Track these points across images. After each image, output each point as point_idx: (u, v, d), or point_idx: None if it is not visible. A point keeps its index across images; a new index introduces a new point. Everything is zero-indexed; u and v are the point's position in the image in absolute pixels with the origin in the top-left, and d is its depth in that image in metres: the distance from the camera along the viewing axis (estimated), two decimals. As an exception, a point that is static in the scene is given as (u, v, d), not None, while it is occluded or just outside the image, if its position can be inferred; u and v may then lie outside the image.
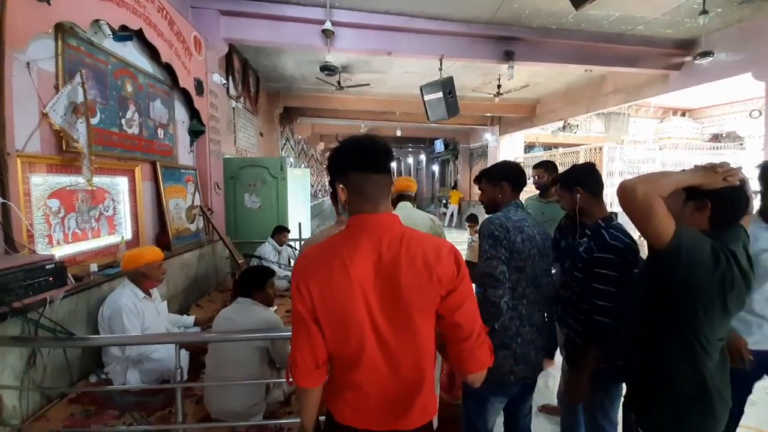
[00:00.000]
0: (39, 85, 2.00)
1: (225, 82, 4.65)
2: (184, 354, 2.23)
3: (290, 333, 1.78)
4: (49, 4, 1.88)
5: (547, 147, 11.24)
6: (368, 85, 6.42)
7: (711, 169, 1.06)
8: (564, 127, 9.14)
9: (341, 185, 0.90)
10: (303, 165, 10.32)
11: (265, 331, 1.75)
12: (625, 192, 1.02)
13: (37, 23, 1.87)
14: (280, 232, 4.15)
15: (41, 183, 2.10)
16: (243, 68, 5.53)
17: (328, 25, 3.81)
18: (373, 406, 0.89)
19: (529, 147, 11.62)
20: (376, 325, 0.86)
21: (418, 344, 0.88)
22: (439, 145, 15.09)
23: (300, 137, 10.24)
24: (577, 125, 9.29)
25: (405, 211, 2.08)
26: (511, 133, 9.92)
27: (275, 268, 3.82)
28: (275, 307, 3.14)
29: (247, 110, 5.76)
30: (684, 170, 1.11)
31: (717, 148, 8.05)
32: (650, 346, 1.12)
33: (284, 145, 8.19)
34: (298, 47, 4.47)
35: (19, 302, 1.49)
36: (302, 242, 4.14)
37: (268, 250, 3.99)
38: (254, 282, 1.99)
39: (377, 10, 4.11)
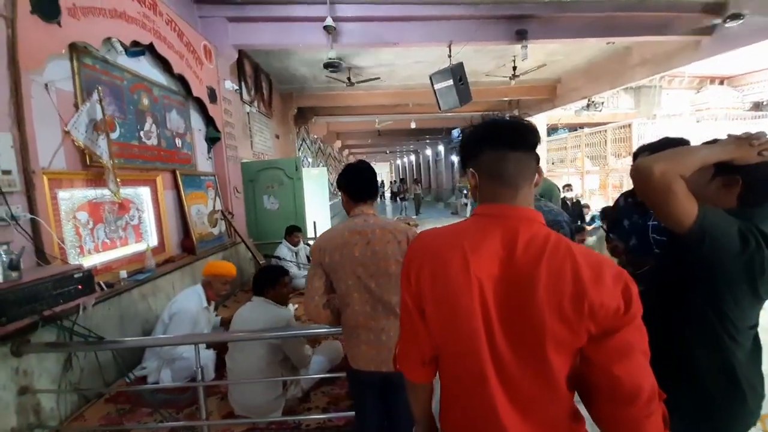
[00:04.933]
0: (59, 104, 2.12)
1: (237, 87, 4.74)
2: (211, 353, 2.33)
3: (301, 332, 1.82)
4: (59, 25, 1.97)
5: (572, 128, 10.74)
6: (378, 78, 6.35)
7: (745, 140, 0.93)
8: (588, 106, 8.68)
9: (471, 169, 0.77)
10: (321, 164, 10.42)
11: (276, 329, 1.77)
12: (640, 173, 0.90)
13: (51, 45, 1.97)
14: (292, 232, 4.19)
15: (69, 197, 2.23)
16: (255, 73, 5.63)
17: (329, 22, 3.79)
18: None
19: (551, 130, 11.15)
20: (492, 338, 0.68)
21: (550, 382, 0.67)
22: (456, 135, 14.79)
23: (316, 136, 10.34)
24: (602, 102, 8.79)
25: None
26: (532, 116, 9.53)
27: (293, 267, 3.90)
28: (296, 306, 3.20)
29: (261, 114, 5.87)
30: (713, 143, 0.99)
31: (759, 117, 7.38)
32: (672, 336, 1.03)
33: (301, 145, 8.30)
34: (304, 47, 4.48)
35: (50, 310, 1.59)
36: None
37: (285, 251, 4.06)
38: (267, 281, 2.03)
39: (380, 1, 4.04)
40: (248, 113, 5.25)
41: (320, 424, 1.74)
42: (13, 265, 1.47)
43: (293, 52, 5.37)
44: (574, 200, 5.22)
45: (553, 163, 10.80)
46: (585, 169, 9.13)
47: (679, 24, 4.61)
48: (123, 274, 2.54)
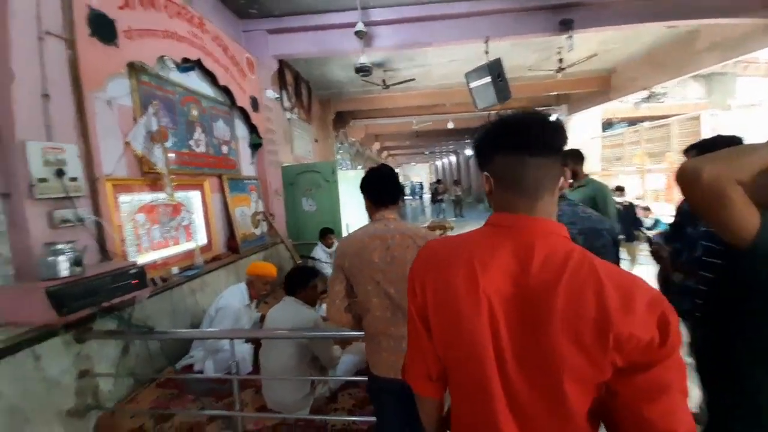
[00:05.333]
0: (120, 118, 2.37)
1: (278, 96, 4.99)
2: (248, 347, 2.46)
3: (328, 333, 1.86)
4: (117, 47, 2.22)
5: (631, 122, 9.83)
6: (413, 80, 6.33)
7: None
8: (649, 97, 7.89)
9: (486, 173, 0.69)
10: (359, 166, 10.60)
11: (305, 329, 1.82)
12: (685, 177, 0.78)
13: (110, 65, 2.22)
14: (326, 234, 4.29)
15: (129, 201, 2.49)
16: (295, 81, 5.89)
17: (359, 27, 3.85)
18: None
19: (607, 124, 10.30)
20: (502, 362, 0.61)
21: (568, 417, 0.59)
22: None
23: (354, 139, 10.54)
24: (665, 93, 7.95)
25: None
26: (583, 111, 8.87)
27: (327, 268, 3.99)
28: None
29: (301, 120, 6.12)
30: None
31: None
32: (726, 349, 0.90)
33: (339, 148, 8.52)
34: (339, 54, 4.59)
35: (109, 302, 1.78)
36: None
37: (320, 253, 4.17)
38: (298, 282, 2.09)
39: (411, 2, 4.02)
40: (289, 119, 5.49)
41: (345, 426, 1.76)
42: (77, 261, 1.67)
43: (330, 59, 5.53)
44: (626, 204, 4.72)
45: (609, 162, 9.96)
46: (646, 168, 8.30)
47: (750, 4, 4.02)
48: (174, 270, 2.79)
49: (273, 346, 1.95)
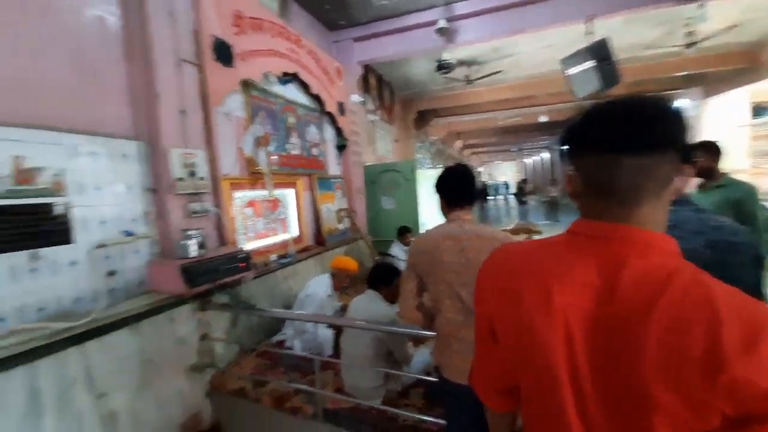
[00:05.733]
0: (235, 128, 2.83)
1: (362, 99, 5.28)
2: (330, 333, 2.69)
3: (405, 330, 1.90)
4: (234, 67, 2.64)
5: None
6: (500, 72, 6.01)
7: None
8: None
9: (569, 171, 0.60)
10: (440, 165, 10.51)
11: (382, 323, 1.90)
12: None
13: (229, 84, 2.66)
14: (404, 233, 4.36)
15: (240, 197, 2.94)
16: (378, 84, 6.15)
17: (441, 24, 3.82)
18: None
19: (759, 108, 8.20)
20: (579, 390, 0.53)
21: None
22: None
23: (435, 138, 10.48)
24: None
25: None
26: (723, 94, 7.19)
27: (404, 266, 4.07)
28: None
29: (383, 120, 6.36)
30: None
31: None
32: None
33: (419, 147, 8.59)
34: (421, 53, 4.63)
35: (222, 279, 2.16)
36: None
37: (396, 250, 4.28)
38: (382, 278, 2.17)
39: (498, -10, 3.84)
40: (372, 121, 5.76)
41: (416, 423, 1.80)
42: (201, 245, 2.06)
43: (412, 59, 5.62)
44: None
45: (760, 157, 7.89)
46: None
47: None
48: (272, 257, 3.20)
49: (353, 334, 2.08)
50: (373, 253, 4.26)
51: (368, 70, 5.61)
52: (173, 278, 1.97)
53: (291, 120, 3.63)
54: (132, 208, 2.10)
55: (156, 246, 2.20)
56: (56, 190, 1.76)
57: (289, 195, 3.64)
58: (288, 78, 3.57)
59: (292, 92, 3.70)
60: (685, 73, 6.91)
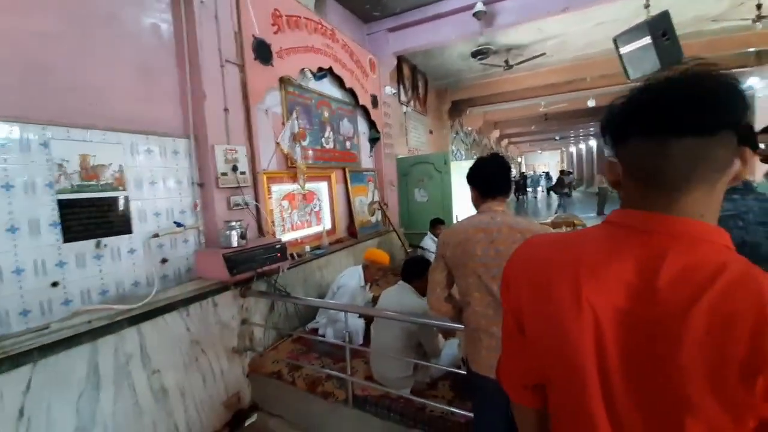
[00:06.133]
0: (273, 124, 2.94)
1: (395, 91, 5.25)
2: (361, 322, 2.77)
3: (435, 322, 1.92)
4: (272, 66, 2.74)
5: None
6: (543, 54, 5.68)
7: None
8: None
9: (611, 157, 0.57)
10: (475, 156, 10.24)
11: (412, 315, 1.92)
12: None
13: (268, 82, 2.76)
14: (436, 225, 4.32)
15: (277, 190, 3.08)
16: (412, 74, 6.07)
17: (478, 7, 3.67)
18: None
19: None
20: (610, 393, 0.51)
21: None
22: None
23: (470, 128, 10.19)
24: None
25: None
26: None
27: (436, 257, 4.06)
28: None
29: (416, 112, 6.29)
30: None
31: None
32: None
33: (454, 138, 8.40)
34: (458, 39, 4.49)
35: (261, 268, 2.29)
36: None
37: (429, 243, 4.27)
38: (415, 271, 2.18)
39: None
40: (405, 113, 5.72)
41: (443, 414, 1.83)
42: (242, 235, 2.20)
43: (447, 47, 5.46)
44: None
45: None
46: None
47: None
48: (307, 248, 3.33)
49: (383, 324, 2.13)
50: (405, 245, 4.29)
51: (402, 60, 5.55)
52: (217, 266, 2.13)
53: (325, 114, 3.71)
54: (182, 201, 2.28)
55: (202, 236, 2.37)
56: (118, 185, 1.95)
57: (322, 188, 3.75)
58: (323, 73, 3.63)
59: (326, 87, 3.76)
60: (754, 49, 6.16)
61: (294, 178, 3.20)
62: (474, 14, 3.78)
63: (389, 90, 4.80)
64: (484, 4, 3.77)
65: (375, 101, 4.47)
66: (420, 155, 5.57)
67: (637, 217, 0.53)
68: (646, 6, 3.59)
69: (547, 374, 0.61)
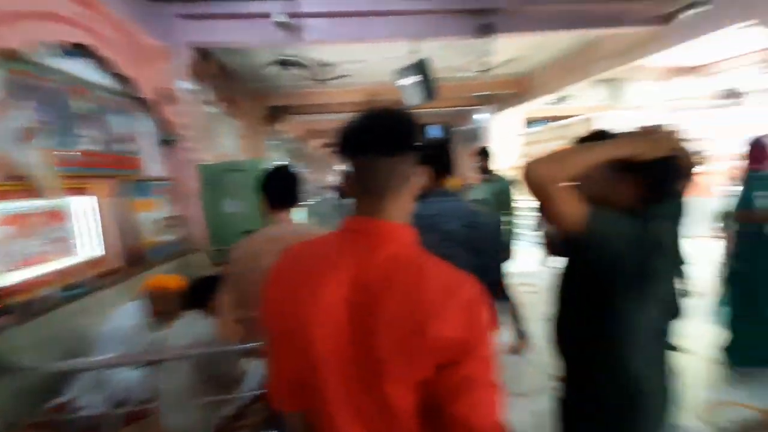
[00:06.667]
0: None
1: (196, 88, 4.56)
2: (136, 373, 2.21)
3: (226, 348, 1.71)
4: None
5: (553, 120, 10.85)
6: (347, 76, 6.25)
7: (645, 136, 0.91)
8: (561, 99, 8.77)
9: (346, 172, 0.70)
10: (301, 164, 10.27)
11: (200, 346, 1.66)
12: (523, 175, 0.89)
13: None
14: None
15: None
16: (220, 72, 5.44)
17: (278, 18, 3.67)
18: None
19: (530, 122, 11.18)
20: (342, 374, 0.62)
21: (396, 419, 0.60)
22: (433, 132, 14.72)
23: (291, 136, 10.16)
24: (568, 96, 8.89)
25: None
26: (505, 111, 9.57)
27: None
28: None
29: (225, 114, 5.69)
30: (613, 140, 0.97)
31: (731, 105, 7.60)
32: (574, 335, 1.02)
33: (272, 145, 8.13)
34: (264, 45, 4.33)
35: None
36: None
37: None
38: (207, 293, 1.87)
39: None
40: (210, 114, 5.07)
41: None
42: None
43: (262, 50, 5.21)
44: None
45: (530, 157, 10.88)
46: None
47: (633, 14, 4.56)
48: (51, 290, 2.40)
49: (169, 367, 1.75)
50: (212, 264, 3.76)
51: (207, 55, 4.89)
52: None
53: (81, 105, 2.80)
54: None
55: None
56: None
57: (81, 203, 2.80)
58: (77, 52, 2.73)
59: (83, 70, 2.85)
60: (482, 93, 8.86)
61: (24, 194, 2.25)
62: (276, 23, 3.72)
63: (185, 85, 4.12)
64: (289, 16, 3.76)
65: (167, 96, 3.73)
66: (231, 162, 5.07)
67: (358, 221, 0.67)
68: (413, 51, 4.54)
69: (300, 372, 0.67)
